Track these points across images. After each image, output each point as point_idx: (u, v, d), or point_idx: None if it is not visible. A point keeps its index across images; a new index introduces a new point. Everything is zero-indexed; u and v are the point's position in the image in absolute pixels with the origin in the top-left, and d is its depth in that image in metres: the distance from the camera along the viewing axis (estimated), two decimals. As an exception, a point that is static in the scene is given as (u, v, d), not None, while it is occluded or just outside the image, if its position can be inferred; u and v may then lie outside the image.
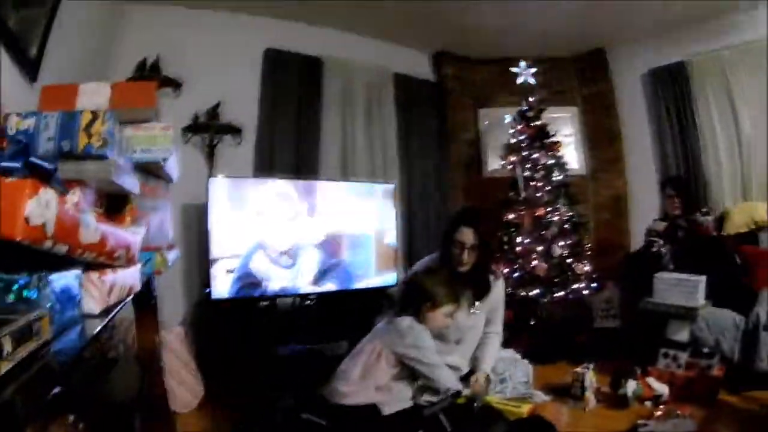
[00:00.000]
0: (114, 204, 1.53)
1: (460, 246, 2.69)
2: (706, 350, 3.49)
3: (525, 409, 2.29)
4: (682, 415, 2.85)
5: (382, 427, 2.14)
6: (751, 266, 3.87)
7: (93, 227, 0.94)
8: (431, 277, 2.46)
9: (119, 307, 1.12)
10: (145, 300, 2.12)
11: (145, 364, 2.08)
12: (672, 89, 4.93)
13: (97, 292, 0.98)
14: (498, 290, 2.94)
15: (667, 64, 4.96)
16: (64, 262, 0.86)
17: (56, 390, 0.79)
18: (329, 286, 3.93)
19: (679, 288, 3.56)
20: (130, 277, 1.27)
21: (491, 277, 2.87)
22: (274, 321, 3.60)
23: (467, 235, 2.69)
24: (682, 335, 3.55)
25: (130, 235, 1.27)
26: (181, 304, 3.96)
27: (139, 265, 1.42)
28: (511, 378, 3.34)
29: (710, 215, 4.19)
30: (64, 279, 0.85)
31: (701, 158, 4.77)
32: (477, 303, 2.77)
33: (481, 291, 2.77)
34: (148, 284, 2.05)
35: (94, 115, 1.23)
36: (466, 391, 2.48)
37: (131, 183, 1.51)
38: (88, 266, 1.00)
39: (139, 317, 2.18)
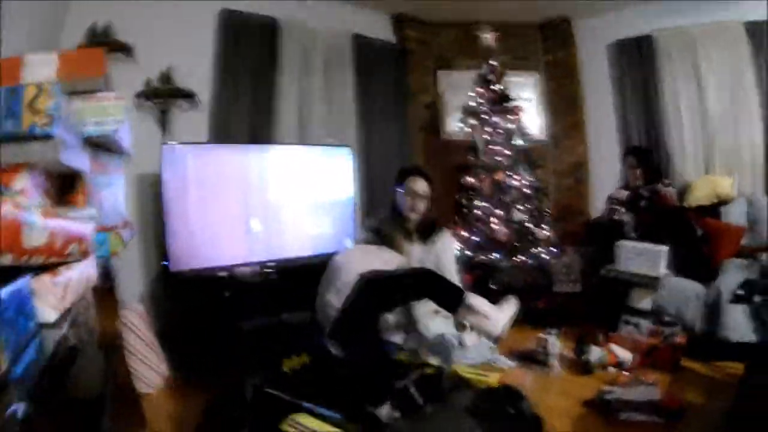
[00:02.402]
0: (65, 183, 1.46)
1: (412, 194, 2.88)
2: (667, 319, 3.54)
3: (494, 379, 2.30)
4: (647, 382, 2.88)
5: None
6: (713, 238, 3.94)
7: (39, 227, 0.84)
8: (388, 224, 2.85)
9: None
10: (103, 284, 2.02)
11: (108, 350, 1.98)
12: (638, 61, 4.93)
13: (51, 297, 0.89)
14: (446, 240, 3.05)
15: (635, 36, 4.95)
16: (8, 273, 0.76)
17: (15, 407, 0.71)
18: (287, 253, 3.86)
19: (642, 257, 3.58)
20: (86, 270, 1.18)
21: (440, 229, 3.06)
22: (234, 292, 3.51)
23: (419, 184, 2.90)
24: (645, 303, 3.60)
25: (82, 225, 1.18)
26: (140, 280, 3.80)
27: (94, 256, 1.33)
28: (475, 343, 3.36)
29: (672, 186, 4.20)
30: (11, 291, 0.76)
31: (664, 130, 4.79)
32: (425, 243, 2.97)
33: (427, 234, 2.97)
34: (105, 267, 1.95)
35: (39, 88, 1.16)
36: (434, 361, 2.50)
37: (81, 161, 1.44)
38: (38, 269, 0.91)
39: (99, 301, 2.07)
